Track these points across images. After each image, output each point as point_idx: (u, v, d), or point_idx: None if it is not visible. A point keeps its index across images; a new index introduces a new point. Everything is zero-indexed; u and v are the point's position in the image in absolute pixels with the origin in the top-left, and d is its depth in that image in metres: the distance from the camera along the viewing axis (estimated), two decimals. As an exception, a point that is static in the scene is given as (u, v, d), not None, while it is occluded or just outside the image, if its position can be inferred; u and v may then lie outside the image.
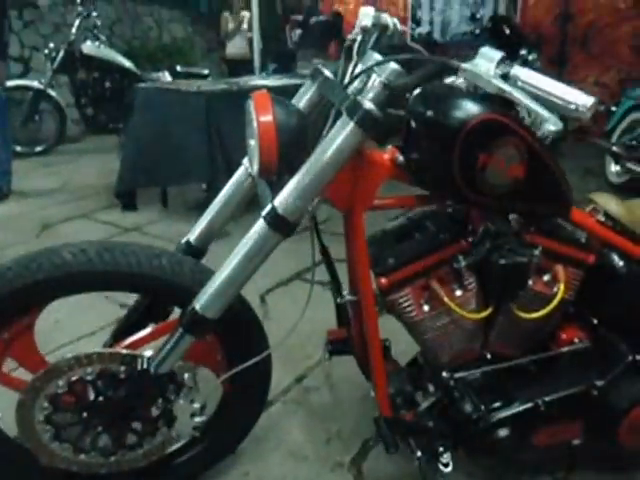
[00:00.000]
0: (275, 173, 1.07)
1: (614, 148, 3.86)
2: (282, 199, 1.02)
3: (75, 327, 2.17)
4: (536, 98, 0.86)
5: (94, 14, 5.02)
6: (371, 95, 0.98)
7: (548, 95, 0.84)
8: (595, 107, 0.81)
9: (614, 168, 4.17)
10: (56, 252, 1.10)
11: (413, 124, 1.11)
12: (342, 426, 1.67)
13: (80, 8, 4.96)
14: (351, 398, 1.81)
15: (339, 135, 1.00)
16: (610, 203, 1.35)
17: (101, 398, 1.18)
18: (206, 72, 5.35)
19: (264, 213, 1.03)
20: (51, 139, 5.40)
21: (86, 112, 5.13)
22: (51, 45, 5.00)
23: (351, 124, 0.98)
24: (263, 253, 1.05)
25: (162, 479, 1.39)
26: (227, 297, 1.08)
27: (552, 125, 0.80)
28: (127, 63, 5.09)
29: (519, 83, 0.86)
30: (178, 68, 5.28)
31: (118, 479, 1.33)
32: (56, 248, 1.12)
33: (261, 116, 1.02)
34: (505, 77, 0.87)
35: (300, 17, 7.23)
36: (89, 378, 1.16)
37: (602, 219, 1.35)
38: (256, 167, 1.04)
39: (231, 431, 1.40)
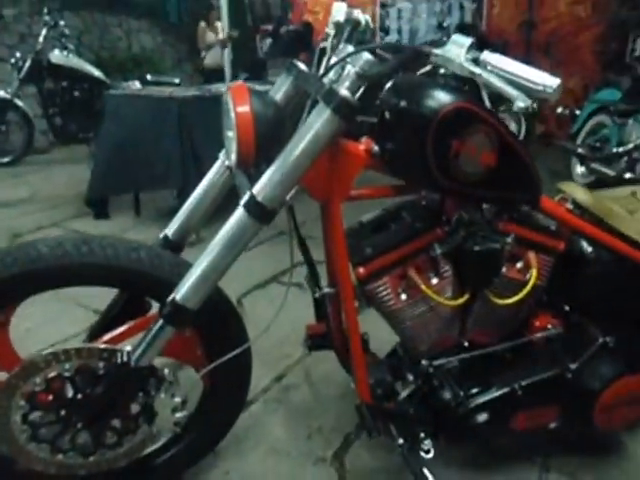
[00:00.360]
0: (253, 164, 1.08)
1: (579, 150, 3.98)
2: (261, 187, 1.03)
3: (47, 335, 2.13)
4: (506, 82, 0.89)
5: (62, 23, 4.97)
6: (347, 84, 1.00)
7: (517, 77, 0.87)
8: (561, 88, 0.85)
9: (580, 169, 4.29)
10: (32, 246, 1.09)
11: (387, 115, 1.14)
12: (323, 422, 1.68)
13: (47, 17, 4.91)
14: (331, 395, 1.81)
15: (316, 122, 1.01)
16: (578, 192, 1.39)
17: (80, 395, 1.16)
18: (177, 81, 5.33)
19: (243, 201, 1.04)
20: (19, 150, 5.31)
21: (55, 122, 5.06)
22: (17, 54, 4.93)
23: (328, 111, 1.00)
24: (242, 241, 1.06)
25: (142, 479, 1.38)
26: (207, 287, 1.08)
27: (521, 102, 0.84)
28: (96, 72, 5.04)
29: (489, 67, 0.89)
30: (149, 77, 5.26)
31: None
32: (32, 242, 1.10)
33: (238, 107, 1.03)
34: (475, 62, 0.90)
35: (270, 27, 7.28)
36: (67, 374, 1.14)
37: (571, 207, 1.39)
38: (234, 157, 1.05)
39: (212, 428, 1.39)
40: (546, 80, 0.85)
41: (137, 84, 4.97)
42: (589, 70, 5.72)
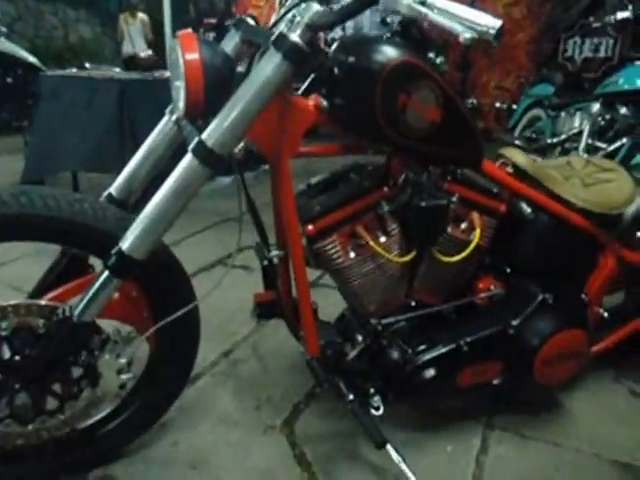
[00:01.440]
0: (201, 114, 1.06)
1: (517, 142, 4.13)
2: (210, 132, 1.01)
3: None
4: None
5: (-7, 5, 4.76)
6: (297, 31, 1.00)
7: (461, 19, 0.90)
8: (502, 28, 0.89)
9: (518, 160, 4.46)
10: None
11: (336, 71, 1.15)
12: (272, 393, 1.67)
13: (-23, -2, 4.69)
14: (279, 368, 1.81)
15: (266, 67, 1.01)
16: (518, 156, 1.45)
17: (18, 356, 1.10)
18: (117, 70, 5.19)
19: (191, 147, 1.02)
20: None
21: (-15, 110, 4.84)
22: (-56, 37, 4.68)
23: (278, 56, 1.00)
24: (191, 188, 1.03)
25: (86, 452, 1.32)
26: (155, 236, 1.05)
27: (467, 34, 0.87)
28: (31, 58, 4.86)
29: (435, 11, 0.92)
30: (87, 66, 5.09)
31: (37, 455, 1.26)
32: None
33: (187, 54, 1.01)
34: (422, 4, 0.93)
35: (214, 20, 7.20)
36: (3, 334, 1.08)
37: (511, 171, 1.45)
38: (182, 106, 1.03)
39: (159, 395, 1.35)
40: (489, 21, 0.89)
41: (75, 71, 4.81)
42: (524, 69, 5.96)
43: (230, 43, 1.21)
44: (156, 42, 6.79)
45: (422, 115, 1.14)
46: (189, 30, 1.06)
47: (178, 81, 1.05)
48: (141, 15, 6.88)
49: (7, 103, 4.77)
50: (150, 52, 6.91)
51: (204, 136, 1.01)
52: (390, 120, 1.12)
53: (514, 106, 4.60)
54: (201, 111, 1.05)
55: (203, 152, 1.01)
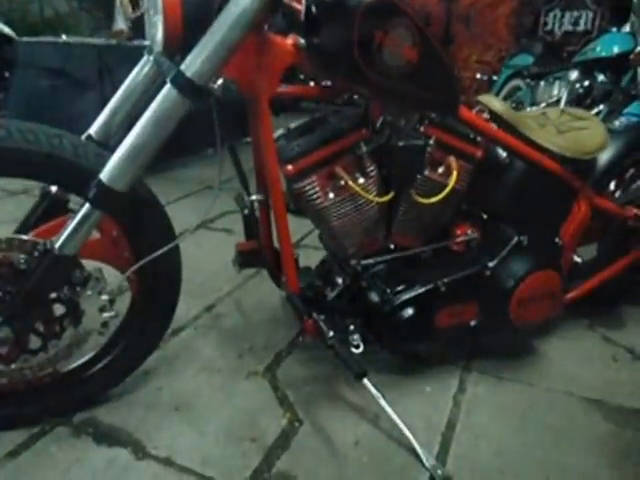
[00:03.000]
0: (180, 49, 1.07)
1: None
2: (189, 62, 1.02)
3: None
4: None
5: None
6: None
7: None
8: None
9: (497, 130, 4.50)
10: None
11: (313, 10, 1.16)
12: (254, 343, 1.69)
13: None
14: (262, 321, 1.83)
15: None
16: (494, 103, 1.47)
17: (-1, 292, 1.11)
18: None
19: (170, 78, 1.02)
20: None
21: (-42, 83, 4.72)
22: None
23: None
24: (172, 120, 1.04)
25: (69, 395, 1.34)
26: (136, 168, 1.05)
27: None
28: (6, 29, 4.74)
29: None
30: (64, 37, 4.99)
31: (21, 397, 1.27)
32: None
33: None
34: None
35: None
36: (-17, 270, 1.09)
37: (487, 117, 1.47)
38: (160, 39, 1.03)
39: (141, 338, 1.37)
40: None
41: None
42: (505, 43, 5.97)
43: (208, -19, 1.20)
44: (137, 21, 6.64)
45: (399, 54, 1.16)
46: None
47: (156, 16, 1.06)
48: None
49: (-19, 76, 4.66)
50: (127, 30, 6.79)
51: (183, 66, 1.02)
52: (367, 58, 1.13)
53: (495, 77, 4.63)
54: (179, 45, 1.05)
55: (182, 82, 1.01)
